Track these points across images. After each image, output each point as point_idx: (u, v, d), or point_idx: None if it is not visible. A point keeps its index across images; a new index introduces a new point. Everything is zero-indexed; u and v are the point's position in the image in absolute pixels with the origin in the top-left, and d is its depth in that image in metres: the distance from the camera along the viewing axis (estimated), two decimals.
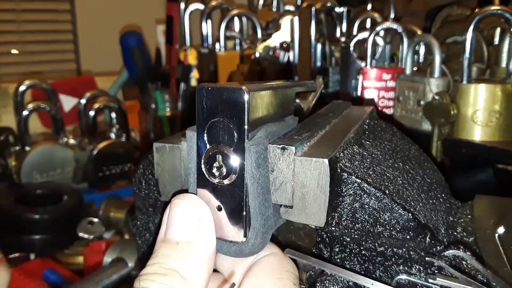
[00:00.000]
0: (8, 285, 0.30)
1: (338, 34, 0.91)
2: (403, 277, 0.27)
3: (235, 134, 0.26)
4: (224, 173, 0.26)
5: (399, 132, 0.40)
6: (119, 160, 0.86)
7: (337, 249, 0.29)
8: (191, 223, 0.26)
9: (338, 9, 0.91)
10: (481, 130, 0.52)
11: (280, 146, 0.27)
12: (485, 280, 0.26)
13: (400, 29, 0.67)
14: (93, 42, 2.14)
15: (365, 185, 0.27)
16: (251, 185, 0.26)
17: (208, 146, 0.27)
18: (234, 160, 0.26)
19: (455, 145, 0.53)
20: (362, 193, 0.27)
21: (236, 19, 0.99)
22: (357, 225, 0.27)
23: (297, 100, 0.36)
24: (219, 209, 0.27)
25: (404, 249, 0.27)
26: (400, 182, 0.30)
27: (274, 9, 1.08)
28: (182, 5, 1.04)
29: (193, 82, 1.00)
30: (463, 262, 0.27)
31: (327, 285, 0.28)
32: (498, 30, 0.65)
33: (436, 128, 0.55)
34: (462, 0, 0.85)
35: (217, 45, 0.93)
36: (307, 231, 0.31)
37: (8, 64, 2.09)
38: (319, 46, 0.82)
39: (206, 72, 0.96)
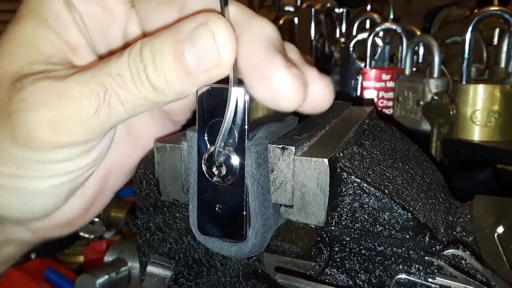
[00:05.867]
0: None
1: (337, 34, 0.92)
2: (403, 276, 0.27)
3: (235, 134, 0.26)
4: (224, 173, 0.27)
5: (398, 132, 0.40)
6: None
7: (336, 249, 0.29)
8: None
9: (337, 10, 0.91)
10: (480, 130, 0.52)
11: (280, 146, 0.27)
12: (484, 280, 0.26)
13: (399, 30, 0.67)
14: None
15: (365, 184, 0.27)
16: (251, 185, 0.26)
17: (208, 146, 0.27)
18: (235, 160, 0.26)
19: (454, 145, 0.53)
20: (361, 193, 0.27)
21: None
22: (356, 225, 0.28)
23: None
24: (219, 209, 0.27)
25: (403, 249, 0.27)
26: (400, 181, 0.30)
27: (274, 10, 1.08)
28: None
29: None
30: (463, 261, 0.27)
31: None
32: (497, 31, 0.66)
33: (435, 128, 0.55)
34: (461, 0, 0.85)
35: None
36: (307, 230, 0.31)
37: None
38: (319, 47, 0.82)
39: None
